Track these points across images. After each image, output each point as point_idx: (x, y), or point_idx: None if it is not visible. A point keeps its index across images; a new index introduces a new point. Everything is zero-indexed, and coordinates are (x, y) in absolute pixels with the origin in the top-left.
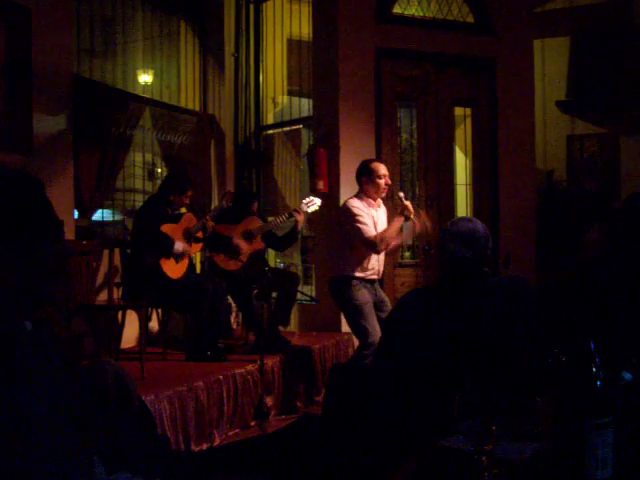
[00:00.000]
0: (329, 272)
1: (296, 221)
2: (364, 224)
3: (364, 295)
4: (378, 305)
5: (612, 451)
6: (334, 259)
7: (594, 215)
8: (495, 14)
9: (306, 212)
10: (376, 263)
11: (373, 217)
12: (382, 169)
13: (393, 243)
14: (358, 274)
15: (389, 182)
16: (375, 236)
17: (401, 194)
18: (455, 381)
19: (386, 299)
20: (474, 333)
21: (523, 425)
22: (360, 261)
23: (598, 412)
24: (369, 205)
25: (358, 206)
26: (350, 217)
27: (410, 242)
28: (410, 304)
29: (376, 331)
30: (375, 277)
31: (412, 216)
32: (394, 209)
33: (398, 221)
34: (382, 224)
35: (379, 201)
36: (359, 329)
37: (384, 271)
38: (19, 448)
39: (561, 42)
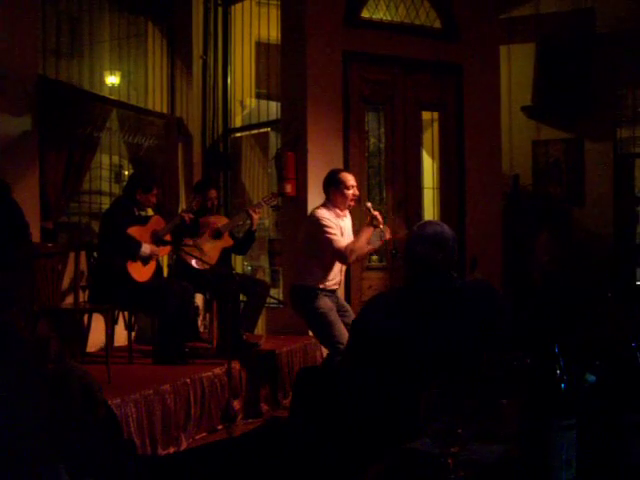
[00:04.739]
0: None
1: (251, 221)
2: (334, 235)
3: (327, 303)
4: (341, 312)
5: (576, 452)
6: (297, 267)
7: (546, 219)
8: (462, 20)
9: (261, 208)
10: (338, 274)
11: (341, 228)
12: (351, 180)
13: (363, 252)
14: (320, 285)
15: (357, 193)
16: (346, 248)
17: (369, 204)
18: (422, 384)
19: (347, 306)
20: (440, 336)
21: (489, 427)
22: (325, 273)
23: (562, 414)
24: (337, 216)
25: (328, 217)
26: (321, 228)
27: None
28: (376, 308)
29: (344, 337)
30: (336, 287)
31: (381, 225)
32: (363, 218)
33: (367, 232)
34: (348, 234)
35: (345, 211)
36: (327, 337)
37: (351, 275)
38: None
39: (527, 48)
